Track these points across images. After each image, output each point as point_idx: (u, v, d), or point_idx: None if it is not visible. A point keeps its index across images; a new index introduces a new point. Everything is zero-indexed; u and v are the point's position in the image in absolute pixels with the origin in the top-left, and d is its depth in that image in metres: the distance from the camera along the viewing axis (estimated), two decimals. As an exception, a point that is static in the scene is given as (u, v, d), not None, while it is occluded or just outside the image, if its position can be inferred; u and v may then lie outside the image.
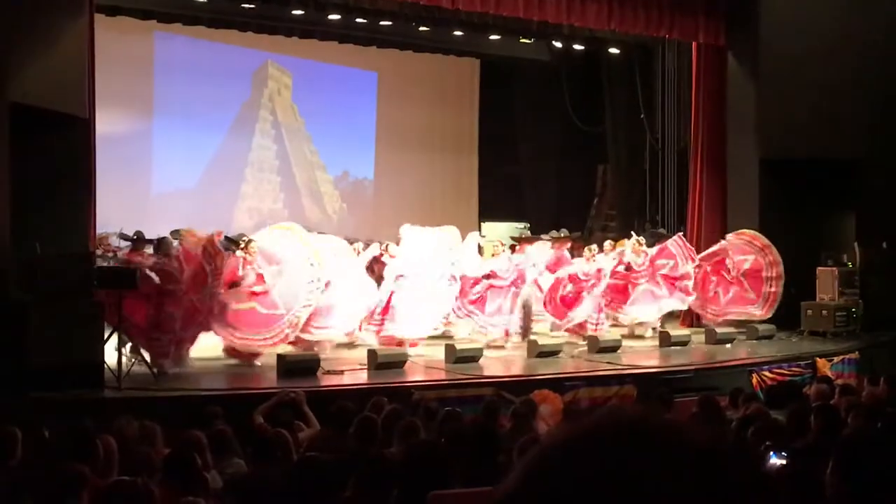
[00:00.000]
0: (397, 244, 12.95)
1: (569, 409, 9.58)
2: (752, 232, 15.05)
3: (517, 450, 5.39)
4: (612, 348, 12.81)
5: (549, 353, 12.41)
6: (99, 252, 11.64)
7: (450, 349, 11.82)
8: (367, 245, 13.54)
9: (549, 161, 21.08)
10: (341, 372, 11.00)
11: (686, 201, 17.19)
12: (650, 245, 14.81)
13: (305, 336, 11.57)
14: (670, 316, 15.24)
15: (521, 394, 9.41)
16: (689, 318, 15.49)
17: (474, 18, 15.96)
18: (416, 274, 12.33)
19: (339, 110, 19.66)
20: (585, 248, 14.20)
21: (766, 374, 12.07)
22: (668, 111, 18.32)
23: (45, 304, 9.54)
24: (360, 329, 12.47)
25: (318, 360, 10.90)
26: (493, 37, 18.29)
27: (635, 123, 19.26)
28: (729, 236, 15.18)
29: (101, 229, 12.71)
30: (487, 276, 13.15)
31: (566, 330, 13.72)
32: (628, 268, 14.34)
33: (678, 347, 13.41)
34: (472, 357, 11.74)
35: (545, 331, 14.17)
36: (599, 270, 13.69)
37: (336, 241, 12.87)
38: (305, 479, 4.45)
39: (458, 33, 17.99)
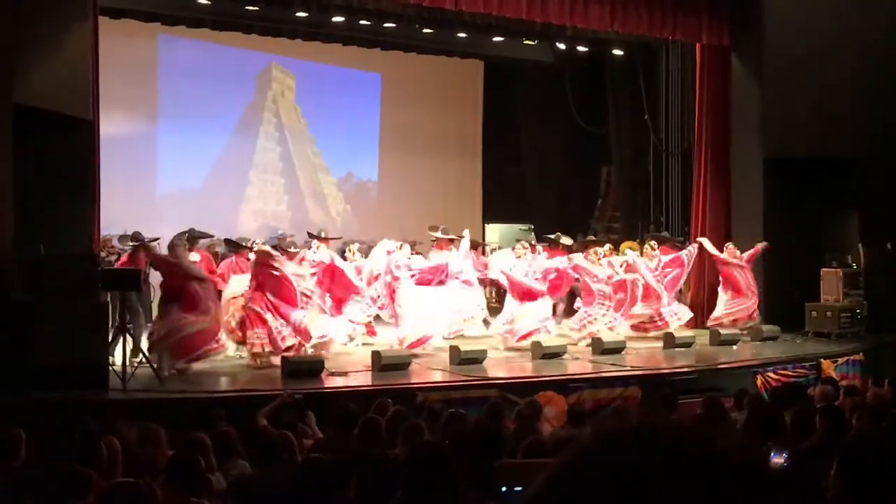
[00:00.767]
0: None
1: (573, 410, 9.57)
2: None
3: (522, 451, 5.40)
4: (617, 350, 12.80)
5: (554, 354, 12.41)
6: (102, 254, 11.66)
7: (454, 351, 11.82)
8: (368, 248, 13.59)
9: (553, 162, 21.08)
10: (345, 373, 11.01)
11: (690, 202, 17.17)
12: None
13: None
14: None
15: (525, 395, 9.41)
16: (694, 319, 15.46)
17: (477, 20, 15.96)
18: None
19: (342, 112, 19.67)
20: (591, 251, 14.21)
21: (771, 375, 12.06)
22: (671, 112, 18.31)
23: (48, 304, 9.57)
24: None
25: (322, 361, 10.91)
26: (496, 38, 18.29)
27: (639, 124, 19.24)
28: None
29: (104, 231, 12.74)
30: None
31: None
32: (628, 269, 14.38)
33: (682, 349, 13.39)
34: (476, 359, 11.74)
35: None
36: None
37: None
38: (309, 480, 4.45)
39: (461, 35, 17.99)
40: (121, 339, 10.43)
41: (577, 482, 1.06)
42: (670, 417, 7.01)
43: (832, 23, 15.12)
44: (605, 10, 15.30)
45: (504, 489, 3.92)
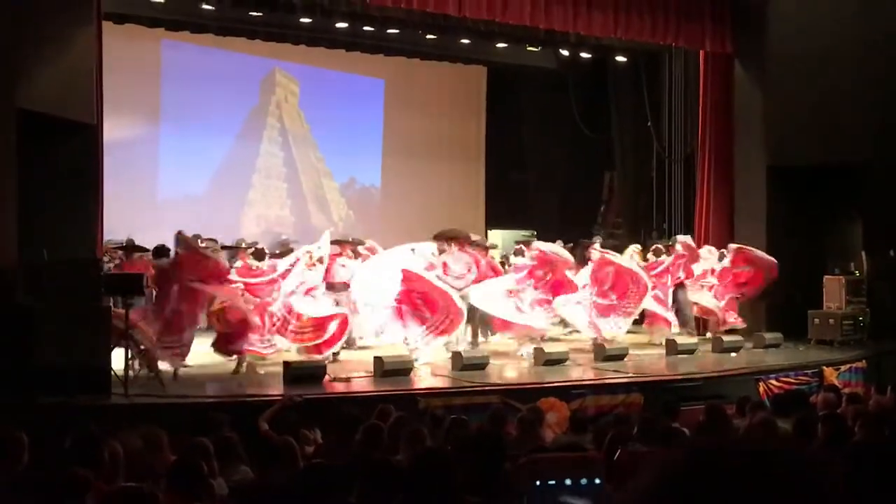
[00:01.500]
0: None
1: (575, 417, 9.56)
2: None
3: (524, 457, 5.39)
4: (619, 356, 12.79)
5: (556, 361, 12.40)
6: (105, 259, 11.69)
7: (456, 357, 11.82)
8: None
9: (556, 168, 21.09)
10: (348, 379, 11.00)
11: (693, 208, 17.17)
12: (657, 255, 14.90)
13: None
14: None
15: (527, 401, 9.39)
16: (697, 326, 15.45)
17: (481, 26, 15.98)
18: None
19: (345, 117, 19.69)
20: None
21: (773, 382, 12.04)
22: (674, 118, 18.31)
23: (51, 309, 9.57)
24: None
25: (324, 367, 10.90)
26: (499, 44, 18.31)
27: (642, 130, 19.26)
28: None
29: (107, 236, 12.75)
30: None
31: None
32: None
33: (685, 356, 13.38)
34: (478, 365, 11.73)
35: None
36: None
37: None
38: (311, 485, 4.45)
39: (464, 41, 18.03)
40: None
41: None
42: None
43: (835, 29, 15.12)
44: (609, 16, 15.32)
45: (538, 483, 3.91)
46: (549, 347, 12.95)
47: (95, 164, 11.67)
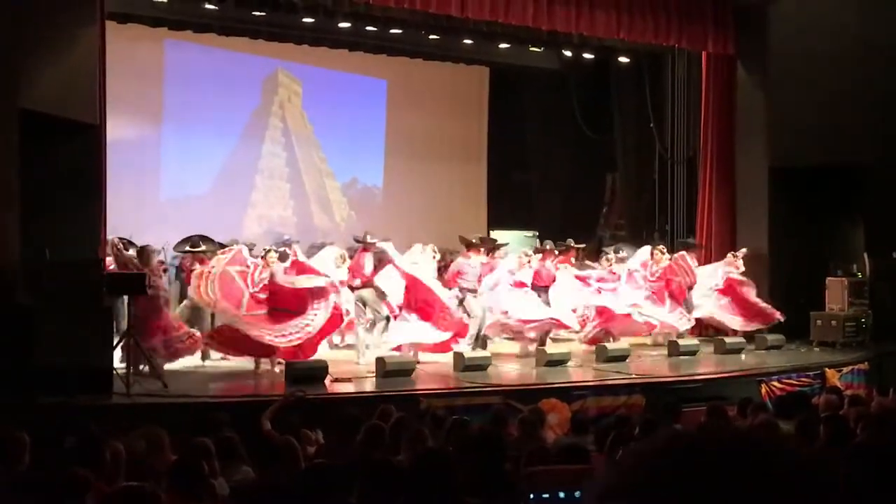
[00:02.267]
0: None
1: (577, 418, 9.56)
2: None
3: (525, 458, 5.39)
4: (621, 357, 12.79)
5: (558, 361, 12.40)
6: (109, 259, 11.68)
7: (458, 357, 11.82)
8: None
9: (558, 169, 21.09)
10: (349, 379, 11.01)
11: (695, 210, 17.16)
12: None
13: None
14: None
15: (528, 402, 9.39)
16: (699, 327, 15.45)
17: (483, 27, 15.98)
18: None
19: (348, 118, 19.69)
20: (604, 259, 14.36)
21: (775, 384, 12.03)
22: (677, 120, 18.29)
23: (53, 309, 9.57)
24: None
25: (325, 367, 10.89)
26: (502, 45, 18.30)
27: (644, 132, 19.24)
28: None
29: (110, 236, 12.74)
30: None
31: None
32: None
33: (687, 357, 13.37)
34: (480, 365, 11.73)
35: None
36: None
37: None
38: (312, 486, 4.45)
39: (467, 41, 18.02)
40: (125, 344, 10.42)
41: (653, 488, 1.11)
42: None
43: (837, 31, 15.11)
44: (612, 17, 15.31)
45: (532, 496, 3.92)
46: (551, 348, 12.95)
47: (98, 165, 11.66)
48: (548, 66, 20.02)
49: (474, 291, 13.25)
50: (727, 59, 16.60)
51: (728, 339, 14.08)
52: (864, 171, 15.00)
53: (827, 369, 12.78)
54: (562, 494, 3.82)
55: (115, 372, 9.85)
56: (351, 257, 13.54)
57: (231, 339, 11.27)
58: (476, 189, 21.29)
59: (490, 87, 21.31)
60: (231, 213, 17.86)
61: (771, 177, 15.84)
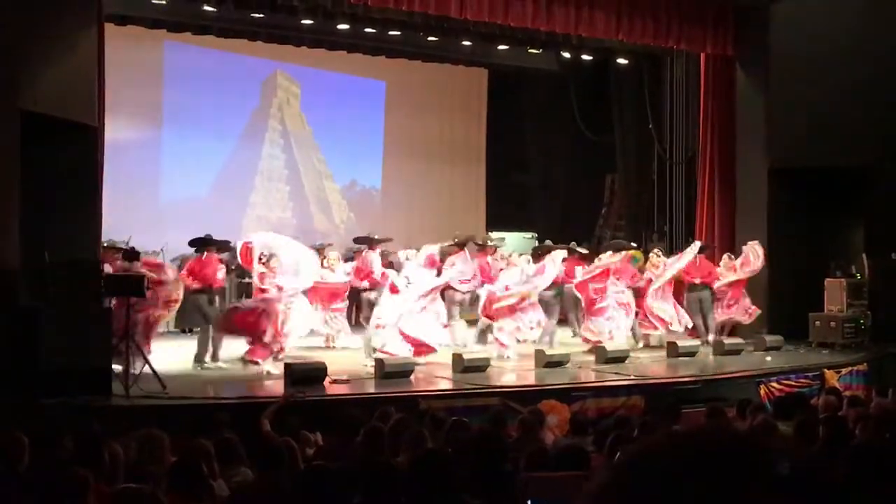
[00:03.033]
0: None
1: (576, 419, 9.56)
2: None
3: (525, 460, 5.39)
4: (620, 359, 12.79)
5: (557, 363, 12.40)
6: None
7: (457, 359, 11.82)
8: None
9: (558, 171, 21.11)
10: (348, 381, 11.01)
11: (694, 211, 17.18)
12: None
13: None
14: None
15: (528, 403, 9.39)
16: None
17: (482, 28, 15.98)
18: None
19: (347, 119, 19.70)
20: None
21: (774, 385, 12.03)
22: (676, 121, 18.31)
23: (53, 310, 9.58)
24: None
25: (324, 368, 10.89)
26: (501, 47, 18.30)
27: (643, 133, 19.26)
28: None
29: (110, 238, 12.75)
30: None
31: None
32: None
33: (686, 358, 13.38)
34: (479, 367, 11.72)
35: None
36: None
37: None
38: (312, 487, 4.45)
39: (466, 43, 18.03)
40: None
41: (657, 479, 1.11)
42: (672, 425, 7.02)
43: (837, 33, 15.13)
44: (611, 19, 15.33)
45: (530, 503, 3.94)
46: (551, 350, 12.95)
47: (97, 166, 11.67)
48: (547, 68, 20.03)
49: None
50: (726, 61, 16.62)
51: (727, 340, 14.08)
52: (863, 171, 15.00)
53: (826, 370, 12.78)
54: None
55: (113, 373, 9.84)
56: (348, 259, 13.56)
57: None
58: (475, 190, 21.31)
59: (489, 88, 21.33)
60: (230, 215, 17.85)
61: (770, 178, 15.85)
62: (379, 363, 11.29)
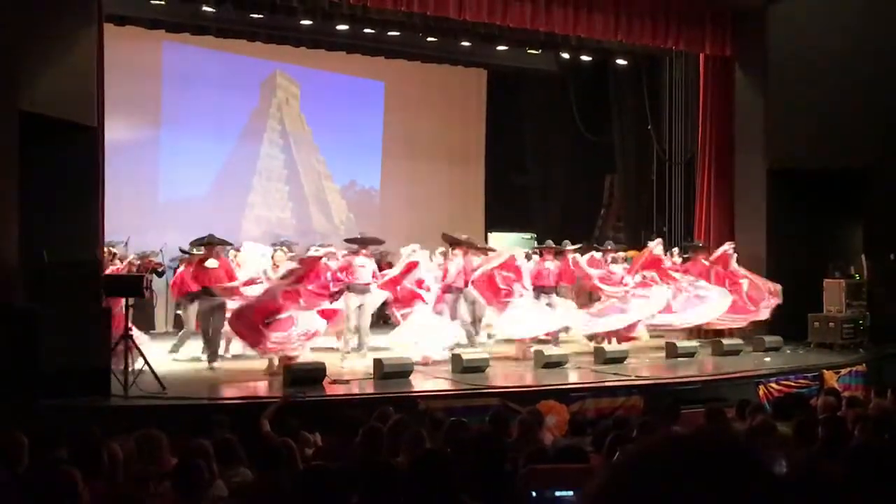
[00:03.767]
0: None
1: (575, 419, 9.56)
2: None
3: (524, 460, 5.39)
4: (619, 359, 12.80)
5: (556, 363, 12.40)
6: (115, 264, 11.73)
7: (456, 359, 11.82)
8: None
9: (557, 171, 21.10)
10: (347, 381, 11.01)
11: (693, 212, 17.18)
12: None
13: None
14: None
15: (527, 404, 9.40)
16: (696, 328, 15.44)
17: (481, 29, 15.98)
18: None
19: (346, 120, 19.71)
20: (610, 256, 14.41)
21: (773, 385, 12.04)
22: (675, 121, 18.30)
23: (53, 311, 9.58)
24: None
25: (324, 369, 10.90)
26: (500, 47, 18.30)
27: (642, 134, 19.26)
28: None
29: (109, 237, 12.75)
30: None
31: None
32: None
33: (685, 359, 13.39)
34: (478, 367, 11.73)
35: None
36: (622, 279, 13.91)
37: None
38: (311, 487, 4.45)
39: (465, 44, 18.02)
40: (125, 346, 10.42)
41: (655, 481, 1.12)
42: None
43: (836, 33, 15.13)
44: (610, 19, 15.34)
45: (534, 494, 3.93)
46: (549, 350, 12.96)
47: (97, 166, 11.66)
48: (546, 68, 20.04)
49: (460, 290, 13.37)
50: (725, 61, 16.62)
51: (726, 341, 14.10)
52: (862, 172, 15.01)
53: (825, 371, 12.79)
54: (561, 493, 3.83)
55: (112, 374, 9.84)
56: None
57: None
58: (474, 191, 21.31)
59: (488, 89, 21.34)
60: (229, 215, 17.86)
61: (769, 178, 15.85)
62: (377, 363, 11.29)
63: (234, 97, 18.37)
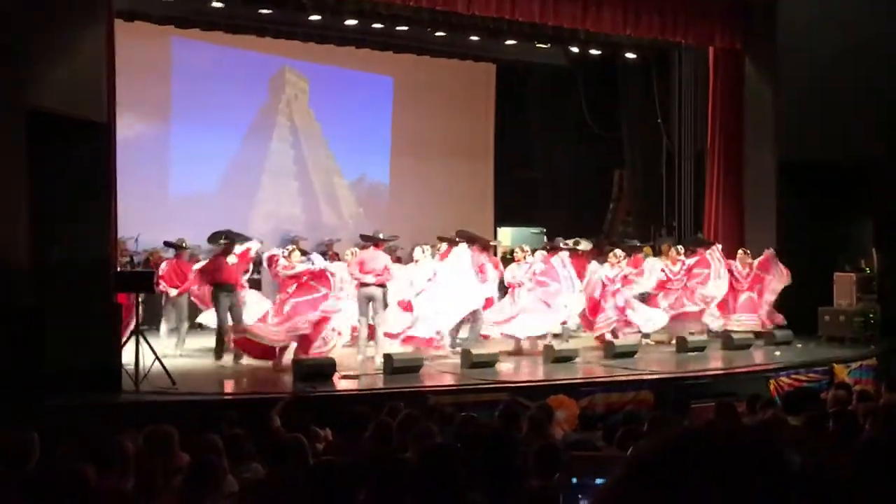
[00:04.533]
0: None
1: (585, 414, 9.56)
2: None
3: (534, 455, 5.39)
4: (629, 353, 12.78)
5: (565, 358, 12.40)
6: (124, 259, 11.73)
7: (466, 354, 11.82)
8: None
9: (565, 166, 21.07)
10: (357, 376, 11.03)
11: (703, 206, 17.14)
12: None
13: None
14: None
15: (536, 399, 9.39)
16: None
17: (490, 23, 15.97)
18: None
19: (355, 115, 19.71)
20: (611, 254, 14.25)
21: (784, 380, 12.01)
22: (684, 115, 18.27)
23: (63, 308, 9.60)
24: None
25: (333, 364, 10.92)
26: (508, 42, 18.30)
27: (652, 128, 19.22)
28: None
29: (119, 233, 12.78)
30: None
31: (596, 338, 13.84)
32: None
33: (695, 353, 13.36)
34: (487, 362, 11.73)
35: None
36: (625, 276, 13.85)
37: None
38: (321, 482, 4.46)
39: (473, 38, 18.02)
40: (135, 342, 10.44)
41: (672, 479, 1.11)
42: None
43: (846, 27, 15.06)
44: (618, 13, 15.30)
45: (575, 481, 3.93)
46: (559, 345, 12.95)
47: (107, 163, 11.66)
48: (554, 63, 20.01)
49: None
50: (734, 55, 16.57)
51: (736, 336, 14.06)
52: (873, 165, 14.95)
53: (835, 365, 12.76)
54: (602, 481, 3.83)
55: (124, 370, 9.87)
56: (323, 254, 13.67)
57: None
58: (483, 186, 21.29)
59: (496, 83, 21.31)
60: (239, 211, 17.87)
61: (779, 172, 15.80)
62: (387, 358, 11.30)
63: (244, 93, 18.38)
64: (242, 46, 17.75)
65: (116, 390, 9.64)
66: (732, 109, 16.57)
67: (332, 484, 4.39)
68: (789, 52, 15.65)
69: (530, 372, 11.95)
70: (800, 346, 14.26)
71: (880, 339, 14.53)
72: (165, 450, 5.77)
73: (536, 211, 20.93)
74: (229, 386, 10.84)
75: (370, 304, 12.54)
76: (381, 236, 13.26)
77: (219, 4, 15.76)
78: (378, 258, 12.76)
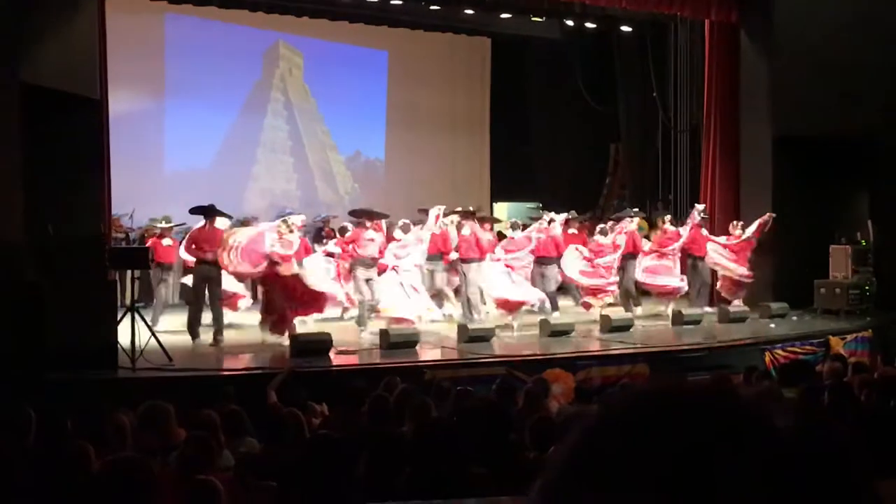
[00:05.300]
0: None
1: (581, 388, 9.58)
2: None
3: (530, 429, 5.41)
4: (625, 327, 12.80)
5: (561, 332, 12.41)
6: (120, 235, 11.70)
7: (462, 328, 11.84)
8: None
9: (562, 140, 21.03)
10: (354, 351, 11.04)
11: (699, 180, 17.12)
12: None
13: None
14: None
15: (533, 373, 9.42)
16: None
17: (485, -4, 15.90)
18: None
19: (350, 90, 19.62)
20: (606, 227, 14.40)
21: (779, 352, 12.04)
22: (680, 89, 18.22)
23: (59, 285, 9.59)
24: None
25: (330, 339, 10.91)
26: (504, 15, 18.21)
27: (647, 102, 19.18)
28: None
29: (114, 210, 12.76)
30: None
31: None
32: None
33: (691, 326, 13.38)
34: (483, 337, 11.74)
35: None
36: (614, 242, 13.95)
37: None
38: (318, 457, 4.47)
39: (468, 12, 17.92)
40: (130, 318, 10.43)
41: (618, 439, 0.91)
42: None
43: (842, 0, 14.99)
44: (614, -15, 15.23)
45: None
46: (555, 318, 12.96)
47: (100, 139, 11.63)
48: (550, 37, 19.93)
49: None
50: (730, 28, 16.49)
51: (731, 308, 14.09)
52: (868, 138, 14.93)
53: (831, 337, 12.79)
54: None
55: (119, 346, 9.86)
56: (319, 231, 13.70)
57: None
58: (479, 160, 21.25)
59: (492, 57, 21.23)
60: (234, 187, 17.85)
61: (775, 145, 15.76)
62: (384, 333, 11.31)
63: (237, 68, 18.30)
64: (236, 21, 17.65)
65: (113, 367, 9.63)
66: (728, 83, 16.51)
67: (329, 458, 4.40)
68: (785, 25, 15.57)
69: (526, 346, 11.96)
70: (795, 318, 14.29)
71: (876, 311, 14.57)
72: (162, 426, 5.78)
73: (533, 185, 20.91)
74: (226, 362, 10.85)
75: (368, 282, 12.53)
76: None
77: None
78: (374, 237, 12.77)
